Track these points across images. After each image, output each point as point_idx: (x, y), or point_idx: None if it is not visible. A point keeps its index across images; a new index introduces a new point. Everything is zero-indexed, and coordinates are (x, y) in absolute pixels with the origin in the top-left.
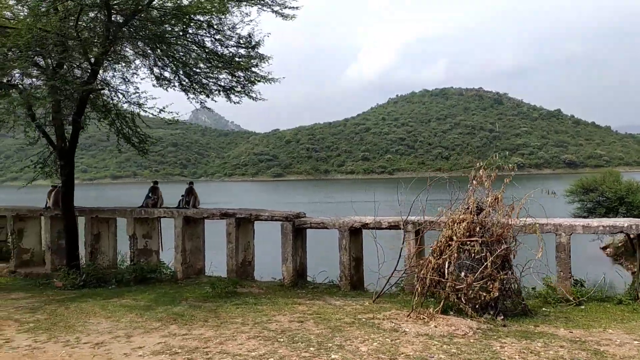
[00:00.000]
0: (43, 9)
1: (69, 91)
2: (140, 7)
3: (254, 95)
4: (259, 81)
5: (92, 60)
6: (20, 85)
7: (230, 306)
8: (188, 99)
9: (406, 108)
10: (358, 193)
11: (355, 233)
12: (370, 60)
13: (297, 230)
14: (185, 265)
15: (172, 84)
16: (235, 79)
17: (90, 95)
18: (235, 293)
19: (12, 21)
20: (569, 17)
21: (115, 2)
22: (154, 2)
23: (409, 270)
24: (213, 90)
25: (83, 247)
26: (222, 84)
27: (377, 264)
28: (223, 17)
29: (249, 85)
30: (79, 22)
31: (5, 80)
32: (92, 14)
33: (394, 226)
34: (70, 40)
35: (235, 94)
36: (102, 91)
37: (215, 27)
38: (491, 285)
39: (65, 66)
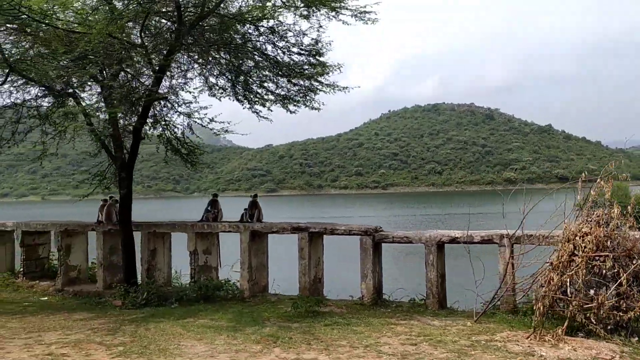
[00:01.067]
0: (115, 14)
1: (134, 99)
2: (207, 11)
3: (316, 105)
4: (328, 90)
5: (157, 67)
6: (76, 95)
7: (322, 327)
8: (244, 108)
9: (399, 123)
10: (352, 208)
11: (440, 248)
12: (365, 76)
13: (375, 245)
14: (251, 282)
15: (227, 93)
16: (297, 88)
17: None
18: (316, 312)
19: (79, 26)
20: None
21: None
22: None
23: (508, 288)
24: (270, 100)
25: (138, 263)
26: (282, 92)
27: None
28: (289, 23)
29: (311, 94)
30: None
31: (60, 88)
32: (156, 19)
33: (486, 240)
34: (136, 46)
35: (294, 103)
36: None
37: (279, 32)
38: (624, 304)
39: (122, 74)
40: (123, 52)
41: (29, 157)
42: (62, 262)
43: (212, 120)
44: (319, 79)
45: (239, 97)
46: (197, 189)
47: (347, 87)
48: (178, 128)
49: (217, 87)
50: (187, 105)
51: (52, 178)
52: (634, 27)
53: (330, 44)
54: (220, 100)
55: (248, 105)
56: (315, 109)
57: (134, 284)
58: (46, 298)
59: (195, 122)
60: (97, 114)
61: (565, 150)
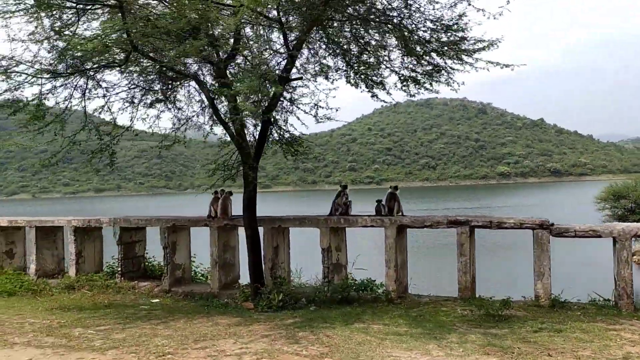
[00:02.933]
0: None
1: (268, 82)
2: None
3: (455, 86)
4: (471, 67)
5: (291, 46)
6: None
7: (532, 333)
8: (361, 92)
9: (392, 118)
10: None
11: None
12: None
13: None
14: (397, 282)
15: (341, 76)
16: (429, 67)
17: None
18: (500, 316)
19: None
20: (546, 31)
21: None
22: None
23: None
24: (399, 80)
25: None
26: (406, 73)
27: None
28: None
29: (445, 72)
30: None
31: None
32: None
33: None
34: (275, 21)
35: (427, 83)
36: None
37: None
38: None
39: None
40: (261, 28)
41: (153, 148)
42: (168, 261)
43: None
44: (462, 56)
45: (355, 79)
46: (191, 185)
47: (511, 65)
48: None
49: (333, 69)
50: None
51: (43, 175)
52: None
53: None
54: (332, 83)
55: (365, 89)
56: (454, 89)
57: (261, 284)
58: (157, 300)
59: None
60: (222, 96)
61: (557, 144)
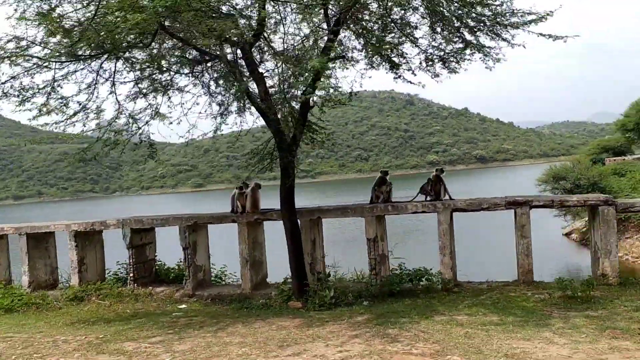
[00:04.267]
0: None
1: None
2: None
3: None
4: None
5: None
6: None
7: (633, 312)
8: (386, 72)
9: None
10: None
11: None
12: None
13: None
14: (452, 270)
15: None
16: (462, 44)
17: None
18: (581, 298)
19: None
20: None
21: None
22: None
23: None
24: (426, 60)
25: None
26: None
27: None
28: None
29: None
30: None
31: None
32: None
33: None
34: None
35: (462, 60)
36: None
37: None
38: None
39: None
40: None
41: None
42: (190, 263)
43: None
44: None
45: (376, 61)
46: (119, 188)
47: (564, 37)
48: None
49: (352, 49)
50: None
51: None
52: None
53: None
54: (348, 68)
55: (388, 70)
56: (489, 67)
57: (304, 282)
58: (184, 306)
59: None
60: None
61: (481, 132)
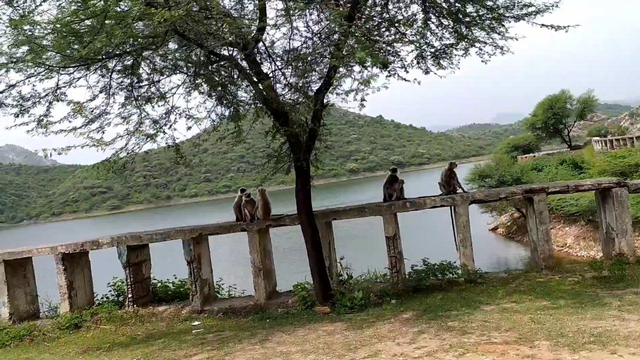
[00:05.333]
0: None
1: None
2: None
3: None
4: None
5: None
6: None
7: None
8: (383, 72)
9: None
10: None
11: None
12: None
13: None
14: (473, 261)
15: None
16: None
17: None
18: (616, 277)
19: None
20: None
21: None
22: None
23: None
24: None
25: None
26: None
27: None
28: None
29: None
30: None
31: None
32: None
33: None
34: None
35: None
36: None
37: None
38: None
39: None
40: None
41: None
42: (196, 277)
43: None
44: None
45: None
46: (27, 216)
47: (566, 27)
48: None
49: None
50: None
51: None
52: None
53: None
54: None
55: (378, 70)
56: (485, 61)
57: (326, 286)
58: (198, 323)
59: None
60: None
61: (397, 137)
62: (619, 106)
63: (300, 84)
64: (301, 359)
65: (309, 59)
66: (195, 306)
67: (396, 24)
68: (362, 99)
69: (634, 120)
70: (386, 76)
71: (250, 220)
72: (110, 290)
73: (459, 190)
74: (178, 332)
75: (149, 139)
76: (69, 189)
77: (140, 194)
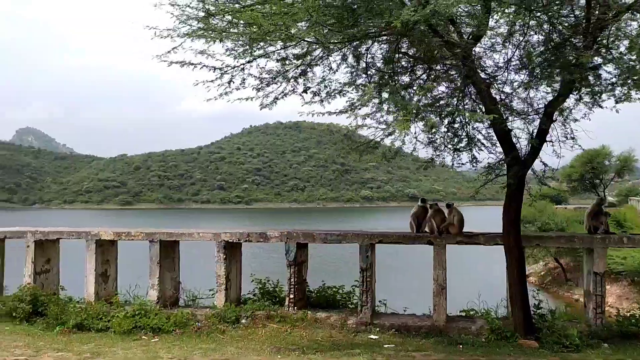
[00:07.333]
0: None
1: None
2: None
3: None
4: None
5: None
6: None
7: None
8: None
9: (261, 139)
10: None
11: None
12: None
13: None
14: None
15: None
16: None
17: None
18: None
19: None
20: None
21: None
22: None
23: None
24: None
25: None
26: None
27: None
28: None
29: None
30: None
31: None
32: None
33: None
34: None
35: None
36: None
37: None
38: None
39: None
40: None
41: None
42: (367, 287)
43: None
44: None
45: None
46: (40, 200)
47: None
48: None
49: None
50: None
51: None
52: None
53: None
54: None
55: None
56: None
57: (530, 316)
58: (375, 337)
59: None
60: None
61: (414, 171)
62: None
63: (525, 96)
64: None
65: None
66: (364, 318)
67: None
68: None
69: None
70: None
71: (438, 233)
72: (255, 288)
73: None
74: (363, 343)
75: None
76: (83, 178)
77: (152, 193)
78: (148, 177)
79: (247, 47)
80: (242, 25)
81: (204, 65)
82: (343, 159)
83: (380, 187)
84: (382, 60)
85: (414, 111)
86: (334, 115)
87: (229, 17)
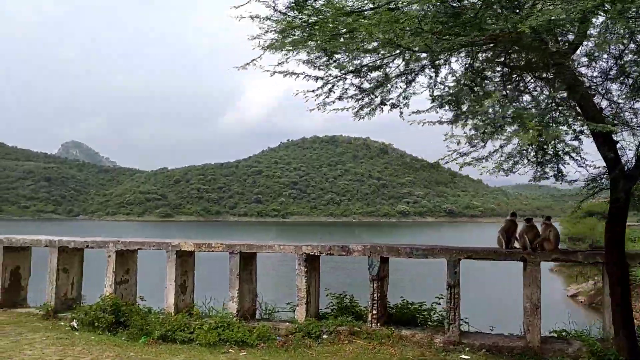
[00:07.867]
0: None
1: None
2: None
3: None
4: None
5: None
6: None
7: None
8: None
9: (298, 153)
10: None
11: None
12: (249, 108)
13: None
14: None
15: None
16: None
17: None
18: None
19: None
20: None
21: None
22: None
23: None
24: None
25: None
26: None
27: None
28: None
29: None
30: None
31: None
32: None
33: None
34: None
35: None
36: None
37: None
38: None
39: None
40: None
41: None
42: (455, 304)
43: None
44: None
45: None
46: (83, 212)
47: None
48: None
49: None
50: None
51: None
52: None
53: None
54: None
55: None
56: None
57: (636, 342)
58: (466, 357)
59: None
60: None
61: (451, 186)
62: None
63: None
64: None
65: None
66: (452, 337)
67: None
68: None
69: None
70: None
71: (532, 249)
72: (330, 302)
73: None
74: None
75: None
76: (125, 191)
77: (192, 206)
78: (187, 190)
79: (350, 56)
80: (345, 35)
81: (307, 75)
82: (379, 173)
83: (417, 202)
84: (482, 70)
85: (535, 120)
86: (442, 124)
87: (331, 26)
